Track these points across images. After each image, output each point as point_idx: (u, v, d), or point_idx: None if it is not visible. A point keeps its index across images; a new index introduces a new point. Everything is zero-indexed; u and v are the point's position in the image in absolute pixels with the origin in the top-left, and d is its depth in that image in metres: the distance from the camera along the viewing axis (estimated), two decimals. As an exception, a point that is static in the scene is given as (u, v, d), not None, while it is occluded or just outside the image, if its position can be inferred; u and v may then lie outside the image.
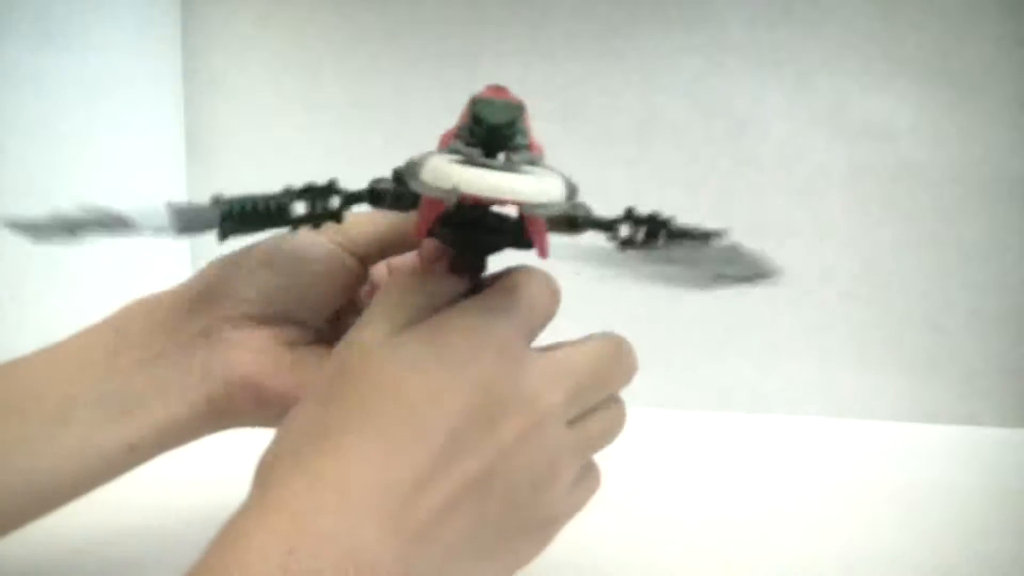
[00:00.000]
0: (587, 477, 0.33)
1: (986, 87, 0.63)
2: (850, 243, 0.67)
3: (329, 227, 0.35)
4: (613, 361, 0.32)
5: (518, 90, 0.31)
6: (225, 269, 0.37)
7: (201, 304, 0.36)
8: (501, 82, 0.32)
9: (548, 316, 0.33)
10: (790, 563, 0.44)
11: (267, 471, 0.29)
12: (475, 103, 0.29)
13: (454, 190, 0.27)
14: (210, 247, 0.35)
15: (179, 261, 0.73)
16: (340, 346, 0.31)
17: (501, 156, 0.29)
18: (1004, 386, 0.65)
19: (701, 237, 0.32)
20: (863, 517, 0.49)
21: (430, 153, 0.30)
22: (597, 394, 0.32)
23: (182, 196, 0.73)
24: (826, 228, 0.67)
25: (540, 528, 0.31)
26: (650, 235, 0.33)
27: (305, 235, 0.36)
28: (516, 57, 0.67)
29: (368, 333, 0.31)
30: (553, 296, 0.33)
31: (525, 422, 0.29)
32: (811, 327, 0.68)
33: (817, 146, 0.66)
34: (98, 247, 0.66)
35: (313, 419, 0.29)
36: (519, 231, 0.32)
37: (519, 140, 0.29)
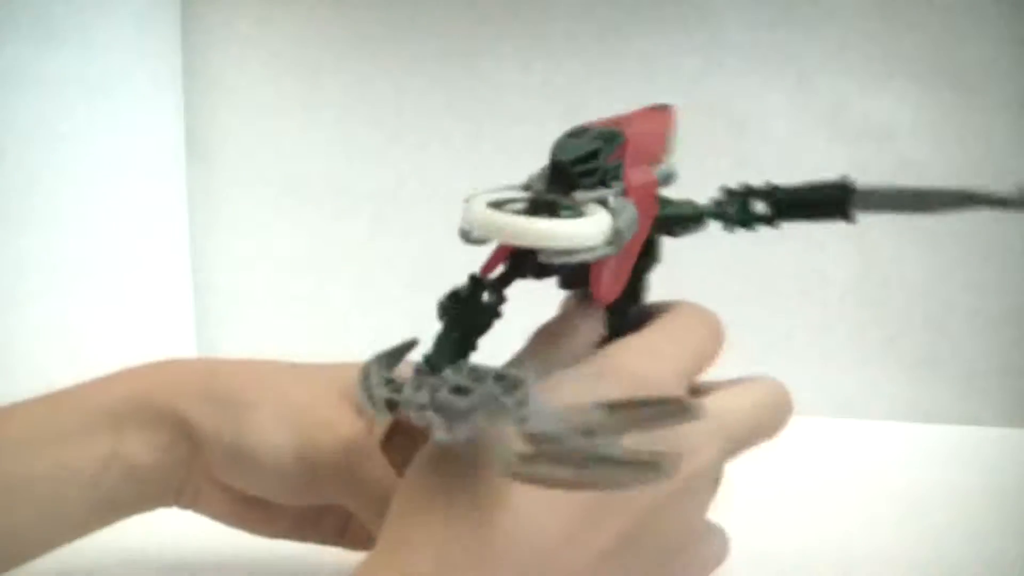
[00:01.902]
0: (712, 539, 0.29)
1: (986, 87, 0.63)
2: (850, 243, 0.67)
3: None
4: (770, 414, 0.30)
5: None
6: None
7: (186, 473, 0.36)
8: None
9: (709, 360, 0.30)
10: (789, 563, 0.44)
11: (404, 503, 0.26)
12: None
13: (467, 231, 0.26)
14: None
15: (175, 262, 0.73)
16: None
17: (576, 195, 0.27)
18: (1004, 386, 0.65)
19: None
20: (863, 517, 0.49)
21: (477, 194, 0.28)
22: (747, 448, 0.30)
23: (182, 196, 0.73)
24: (826, 228, 0.67)
25: None
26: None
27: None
28: (516, 57, 0.67)
29: None
30: (718, 338, 0.31)
31: (680, 476, 0.26)
32: (811, 327, 0.68)
33: (817, 146, 0.66)
34: (96, 246, 0.66)
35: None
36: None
37: (599, 177, 0.28)
